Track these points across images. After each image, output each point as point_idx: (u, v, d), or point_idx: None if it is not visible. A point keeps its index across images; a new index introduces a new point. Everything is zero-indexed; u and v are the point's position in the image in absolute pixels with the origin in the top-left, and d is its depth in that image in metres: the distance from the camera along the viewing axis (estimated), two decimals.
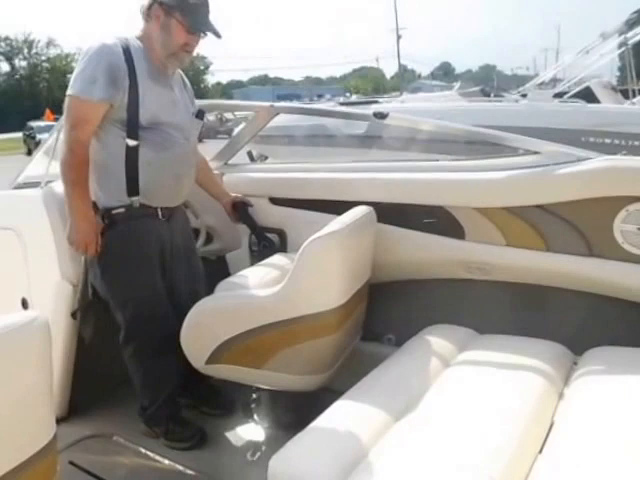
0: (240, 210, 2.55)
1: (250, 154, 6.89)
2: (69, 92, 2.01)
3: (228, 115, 11.11)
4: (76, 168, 2.01)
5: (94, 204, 2.09)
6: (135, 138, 2.04)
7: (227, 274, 2.44)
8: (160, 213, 2.17)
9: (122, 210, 2.10)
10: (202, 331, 2.07)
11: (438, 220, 2.20)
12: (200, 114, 2.32)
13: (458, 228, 2.18)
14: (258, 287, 2.07)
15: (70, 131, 2.00)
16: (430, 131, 2.82)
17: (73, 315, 2.23)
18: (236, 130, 6.39)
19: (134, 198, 2.09)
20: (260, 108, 2.73)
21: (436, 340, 1.88)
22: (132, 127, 2.04)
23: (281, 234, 2.58)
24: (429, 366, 1.72)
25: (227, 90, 74.54)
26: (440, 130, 2.67)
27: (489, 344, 1.85)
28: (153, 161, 2.08)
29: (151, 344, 2.20)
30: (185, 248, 2.31)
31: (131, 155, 2.05)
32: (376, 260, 2.23)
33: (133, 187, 2.08)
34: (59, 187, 2.24)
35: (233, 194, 2.56)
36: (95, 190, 2.09)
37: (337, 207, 2.28)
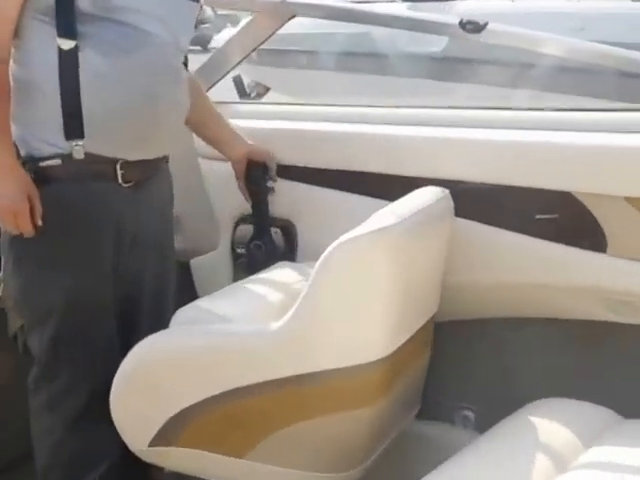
0: (255, 173, 2.56)
1: (239, 81, 6.91)
2: None
3: (206, 11, 11.23)
4: None
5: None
6: (71, 36, 2.06)
7: (192, 294, 2.49)
8: (120, 174, 2.18)
9: (57, 161, 2.12)
10: (145, 391, 2.11)
11: (561, 217, 2.22)
12: None
13: (596, 232, 2.18)
14: (243, 320, 2.08)
15: None
16: (558, 57, 2.82)
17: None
18: (216, 38, 6.38)
19: (77, 142, 2.11)
20: (263, 5, 2.74)
21: (546, 423, 1.90)
22: (64, 17, 2.05)
23: (287, 229, 2.62)
24: (533, 467, 1.70)
25: None
26: (575, 55, 2.73)
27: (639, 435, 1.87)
28: (104, 73, 2.11)
29: (78, 392, 2.23)
30: (158, 240, 2.38)
31: (67, 65, 2.08)
32: (448, 282, 2.27)
33: (73, 121, 2.10)
34: None
35: (251, 143, 2.59)
36: (14, 126, 2.13)
37: (387, 186, 2.33)
